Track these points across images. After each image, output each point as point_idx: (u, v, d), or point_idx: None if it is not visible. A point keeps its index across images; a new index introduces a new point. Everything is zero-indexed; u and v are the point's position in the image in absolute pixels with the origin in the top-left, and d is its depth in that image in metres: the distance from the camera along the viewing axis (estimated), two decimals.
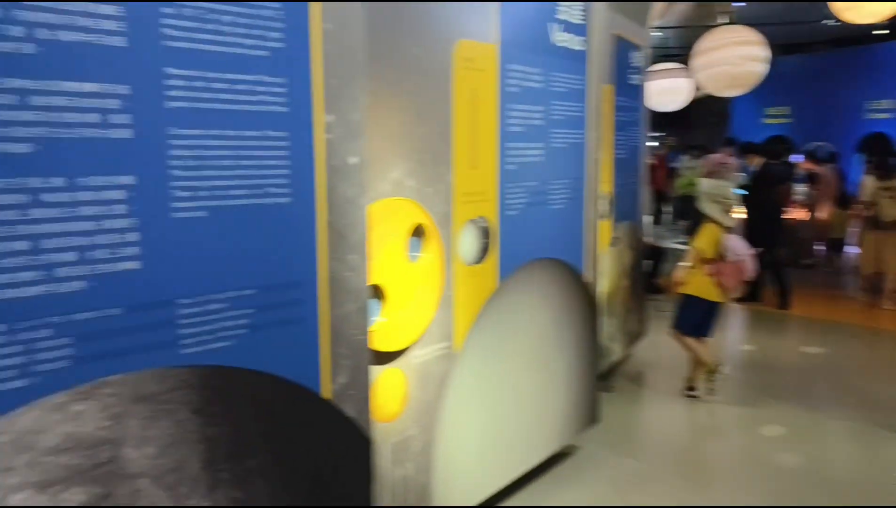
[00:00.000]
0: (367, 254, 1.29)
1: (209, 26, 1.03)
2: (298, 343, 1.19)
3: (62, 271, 0.92)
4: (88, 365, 0.96)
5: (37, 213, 0.89)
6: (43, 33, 0.88)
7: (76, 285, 0.93)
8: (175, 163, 1.01)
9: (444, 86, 1.65)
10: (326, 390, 1.23)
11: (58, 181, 0.91)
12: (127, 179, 0.97)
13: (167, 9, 0.99)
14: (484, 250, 1.88)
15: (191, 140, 1.03)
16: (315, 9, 1.16)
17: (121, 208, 0.96)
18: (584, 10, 2.15)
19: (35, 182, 0.89)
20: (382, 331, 1.52)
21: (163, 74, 0.99)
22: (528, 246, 2.04)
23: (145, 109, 0.98)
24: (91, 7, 0.92)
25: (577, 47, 2.14)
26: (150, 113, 0.98)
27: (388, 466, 1.59)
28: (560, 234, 2.19)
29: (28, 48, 0.87)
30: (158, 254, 1.01)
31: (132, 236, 0.98)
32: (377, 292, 1.49)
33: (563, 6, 2.05)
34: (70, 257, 0.93)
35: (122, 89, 0.95)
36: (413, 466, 1.67)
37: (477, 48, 1.75)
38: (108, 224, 0.96)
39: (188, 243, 1.04)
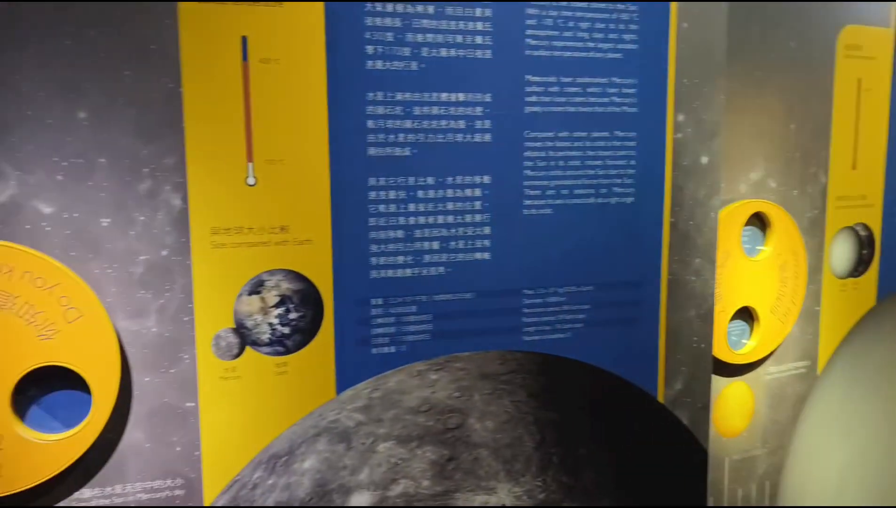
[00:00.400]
0: (714, 259, 1.23)
1: (567, 33, 1.09)
2: (635, 343, 1.19)
3: (427, 258, 1.06)
4: (444, 341, 1.09)
5: (411, 207, 1.05)
6: (425, 51, 1.02)
7: (438, 271, 1.07)
8: (527, 164, 1.09)
9: (822, 79, 1.49)
10: (660, 394, 1.22)
11: (429, 180, 1.05)
12: (485, 179, 1.07)
13: (531, 20, 1.07)
14: (861, 262, 1.65)
15: (542, 142, 1.10)
16: (673, 9, 1.14)
17: (477, 205, 1.08)
18: None
19: (411, 181, 1.04)
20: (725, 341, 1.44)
21: (523, 81, 1.08)
22: None
23: (505, 115, 1.07)
24: (467, 25, 1.04)
25: None
26: (509, 118, 1.08)
27: (726, 482, 1.51)
28: None
29: (413, 66, 1.02)
30: (507, 247, 1.10)
31: (485, 230, 1.09)
32: (748, 313, 1.43)
33: None
34: (435, 245, 1.06)
35: (486, 97, 1.06)
36: (755, 488, 1.56)
37: (866, 33, 1.54)
38: (467, 219, 1.07)
39: (534, 239, 1.11)
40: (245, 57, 0.95)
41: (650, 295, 1.19)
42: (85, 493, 0.95)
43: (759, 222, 1.46)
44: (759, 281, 1.47)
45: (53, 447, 0.91)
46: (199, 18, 0.93)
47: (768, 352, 1.52)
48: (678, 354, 1.22)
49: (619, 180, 1.15)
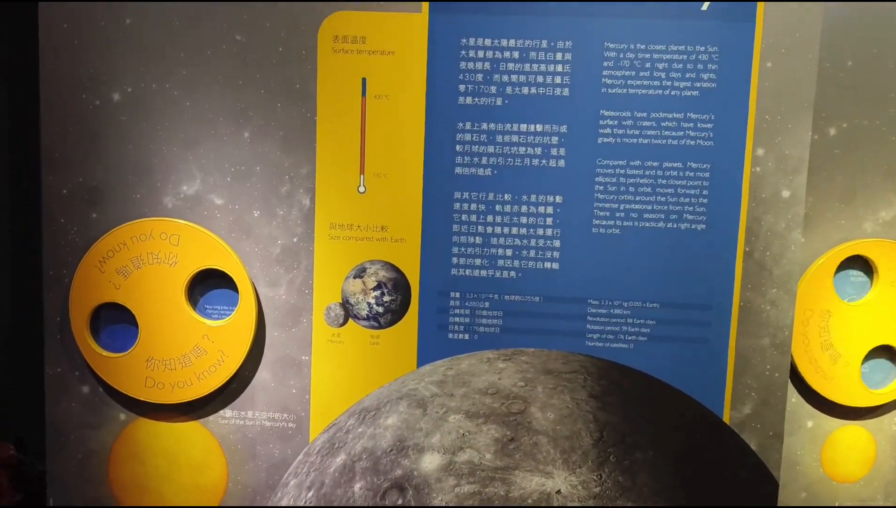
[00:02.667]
0: (793, 291, 1.25)
1: (644, 73, 1.21)
2: (702, 364, 1.26)
3: (501, 262, 1.25)
4: (512, 335, 1.27)
5: (490, 218, 1.24)
6: (509, 90, 1.22)
7: (510, 274, 1.25)
8: (598, 188, 1.23)
9: None
10: (726, 415, 1.26)
11: (506, 197, 1.24)
12: (557, 198, 1.24)
13: (608, 61, 1.21)
14: None
15: (614, 169, 1.23)
16: (756, 48, 1.20)
17: (549, 221, 1.24)
18: None
19: (490, 196, 1.24)
20: (843, 377, 1.41)
21: (598, 115, 1.22)
22: None
23: (579, 144, 1.23)
24: (548, 67, 1.21)
25: None
26: (582, 147, 1.23)
27: None
28: None
29: (498, 101, 1.22)
30: (575, 260, 1.24)
31: (555, 243, 1.24)
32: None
33: None
34: (508, 252, 1.25)
35: (562, 129, 1.22)
36: None
37: None
38: (538, 232, 1.24)
39: (602, 255, 1.24)
40: (364, 93, 1.23)
41: (720, 319, 1.25)
42: (227, 413, 1.29)
43: None
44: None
45: (212, 373, 1.26)
46: (332, 64, 1.22)
47: (892, 398, 1.44)
48: (748, 379, 1.26)
49: (690, 208, 1.23)
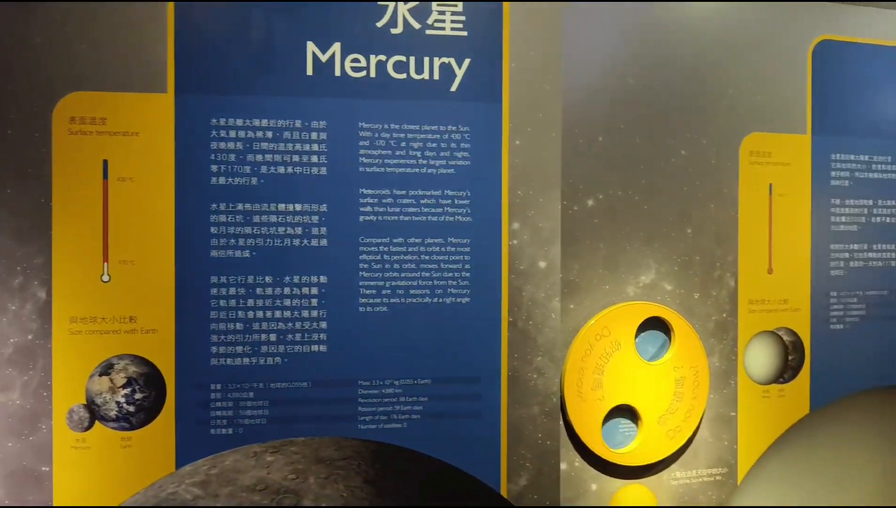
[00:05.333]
0: (557, 357, 1.28)
1: (399, 152, 1.23)
2: (476, 437, 1.25)
3: (265, 348, 1.19)
4: (280, 425, 1.20)
5: (250, 302, 1.19)
6: (265, 169, 1.19)
7: (275, 360, 1.20)
8: (363, 266, 1.22)
9: (725, 184, 1.53)
10: (503, 489, 1.26)
11: (267, 279, 1.19)
12: (321, 279, 1.21)
13: (363, 141, 1.22)
14: (788, 368, 1.62)
15: (377, 247, 1.22)
16: (504, 128, 1.25)
17: (314, 302, 1.20)
18: None
19: (250, 279, 1.19)
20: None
21: (358, 193, 1.22)
22: (868, 368, 1.67)
23: (340, 223, 1.21)
24: (303, 146, 1.20)
25: None
26: (344, 225, 1.21)
27: None
28: None
29: (253, 181, 1.19)
30: (343, 341, 1.21)
31: (322, 325, 1.21)
32: (630, 412, 1.45)
33: None
34: (272, 337, 1.20)
35: (322, 208, 1.20)
36: None
37: (776, 140, 1.58)
38: (304, 314, 1.20)
39: (370, 334, 1.22)
40: (105, 176, 1.15)
41: (490, 391, 1.25)
42: None
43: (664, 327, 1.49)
44: (651, 386, 1.48)
45: None
46: (69, 146, 1.14)
47: (655, 460, 1.50)
48: (522, 449, 1.26)
49: (454, 282, 1.24)
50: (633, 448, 1.45)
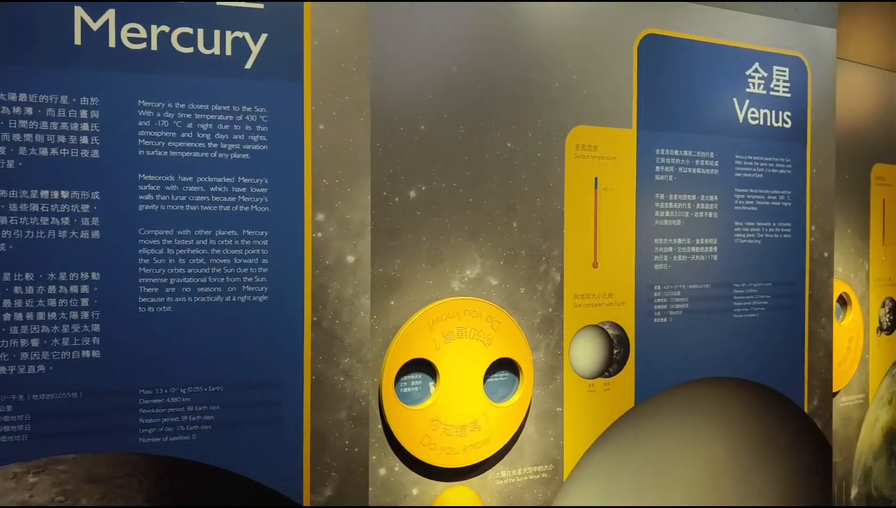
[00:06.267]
0: (366, 360, 1.21)
1: (186, 134, 1.10)
2: (276, 446, 1.15)
3: (25, 355, 1.04)
4: (45, 441, 1.05)
5: (7, 303, 1.03)
6: (24, 150, 1.04)
7: (38, 369, 1.05)
8: (143, 261, 1.09)
9: (550, 178, 1.51)
10: (306, 499, 1.17)
11: (27, 276, 1.04)
12: (93, 276, 1.07)
13: (144, 121, 1.09)
14: (613, 362, 1.62)
15: (160, 240, 1.09)
16: (307, 112, 1.16)
17: (85, 302, 1.06)
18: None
19: (6, 277, 1.03)
20: (445, 445, 1.39)
21: (136, 179, 1.09)
22: (691, 360, 1.71)
23: (115, 212, 1.08)
24: (71, 126, 1.05)
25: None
26: (120, 215, 1.08)
27: None
28: (756, 349, 1.79)
29: (9, 164, 1.03)
30: (120, 345, 1.08)
31: (94, 328, 1.07)
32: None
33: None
34: (34, 342, 1.05)
35: (93, 195, 1.07)
36: None
37: (602, 134, 1.58)
38: (72, 315, 1.06)
39: (152, 337, 1.09)
40: None
41: (291, 396, 1.16)
42: None
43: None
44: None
45: None
46: None
47: (478, 460, 1.45)
48: (327, 458, 1.18)
49: (250, 279, 1.14)
50: (456, 448, 1.40)
